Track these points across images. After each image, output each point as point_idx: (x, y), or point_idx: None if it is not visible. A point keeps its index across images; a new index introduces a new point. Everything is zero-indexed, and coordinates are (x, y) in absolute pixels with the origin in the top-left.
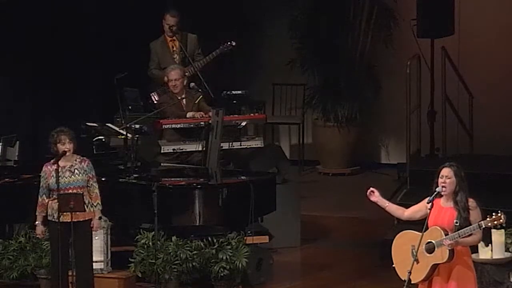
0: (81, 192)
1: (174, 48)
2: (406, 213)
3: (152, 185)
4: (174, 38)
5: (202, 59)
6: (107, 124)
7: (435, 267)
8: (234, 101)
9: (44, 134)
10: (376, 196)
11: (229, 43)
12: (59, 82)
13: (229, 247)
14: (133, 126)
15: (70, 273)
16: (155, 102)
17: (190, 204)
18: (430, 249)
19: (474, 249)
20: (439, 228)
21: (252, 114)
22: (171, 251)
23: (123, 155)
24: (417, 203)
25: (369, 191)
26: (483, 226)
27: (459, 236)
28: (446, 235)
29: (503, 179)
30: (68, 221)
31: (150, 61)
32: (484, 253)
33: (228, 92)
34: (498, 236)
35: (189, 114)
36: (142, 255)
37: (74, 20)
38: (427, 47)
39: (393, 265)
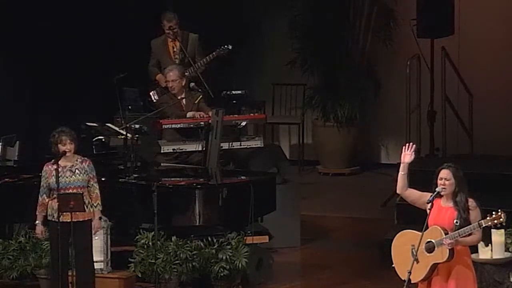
0: (81, 192)
1: (175, 49)
2: (407, 192)
3: (152, 185)
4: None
5: (200, 60)
6: (107, 124)
7: (434, 266)
8: (234, 101)
9: (44, 134)
10: (408, 159)
11: (225, 46)
12: (59, 82)
13: (229, 247)
14: (133, 126)
15: (70, 273)
16: (155, 101)
17: (190, 204)
18: (430, 248)
19: (474, 249)
20: (439, 227)
21: (252, 114)
22: (171, 251)
23: (123, 155)
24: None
25: (408, 147)
26: (483, 225)
27: (459, 235)
28: (446, 234)
29: (503, 179)
30: (68, 221)
31: (150, 58)
32: (484, 253)
33: (228, 92)
34: (498, 236)
35: (189, 114)
36: (142, 255)
37: (74, 20)
38: (427, 47)
39: (393, 265)
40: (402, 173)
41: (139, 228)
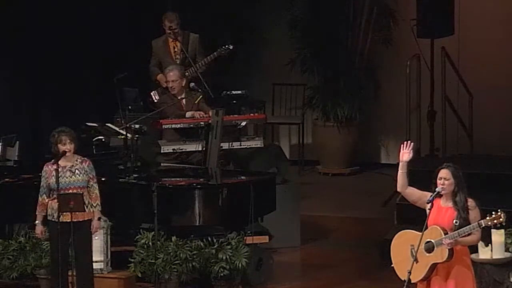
0: (81, 192)
1: (176, 49)
2: (408, 190)
3: (152, 185)
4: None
5: (201, 61)
6: (107, 124)
7: (434, 266)
8: (234, 101)
9: (44, 134)
10: (406, 158)
11: (226, 46)
12: (59, 82)
13: (229, 247)
14: (133, 126)
15: (70, 273)
16: (155, 101)
17: (190, 204)
18: (430, 248)
19: (474, 249)
20: (438, 227)
21: (252, 114)
22: (171, 251)
23: (123, 155)
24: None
25: (406, 145)
26: (483, 225)
27: (459, 235)
28: (445, 234)
29: (503, 179)
30: (68, 221)
31: (151, 58)
32: (484, 253)
33: (228, 92)
34: (498, 236)
35: (188, 114)
36: (142, 255)
37: (75, 20)
38: (427, 47)
39: (392, 265)
40: (401, 171)
41: (139, 228)
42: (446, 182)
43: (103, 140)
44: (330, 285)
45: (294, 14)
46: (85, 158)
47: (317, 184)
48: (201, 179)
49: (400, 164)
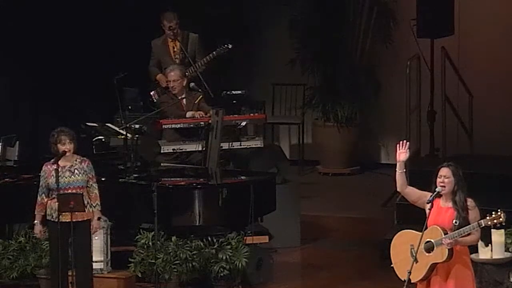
0: (81, 192)
1: (175, 49)
2: (407, 189)
3: (152, 185)
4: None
5: (200, 60)
6: (107, 124)
7: (434, 266)
8: (234, 101)
9: (44, 134)
10: (403, 157)
11: (225, 45)
12: (59, 82)
13: (229, 247)
14: (133, 126)
15: (70, 273)
16: (155, 101)
17: (190, 204)
18: (429, 248)
19: (474, 249)
20: (438, 227)
21: (252, 114)
22: (171, 251)
23: (123, 155)
24: (422, 191)
25: (402, 145)
26: (483, 225)
27: (458, 235)
28: (445, 234)
29: (503, 179)
30: (68, 221)
31: (151, 58)
32: (484, 253)
33: (228, 92)
34: (498, 236)
35: (188, 114)
36: (142, 255)
37: (74, 20)
38: (427, 47)
39: (392, 265)
40: (400, 171)
41: (139, 228)
42: (446, 180)
43: (103, 140)
44: (330, 285)
45: (294, 14)
46: (85, 158)
47: (317, 184)
48: (201, 179)
49: (398, 164)
